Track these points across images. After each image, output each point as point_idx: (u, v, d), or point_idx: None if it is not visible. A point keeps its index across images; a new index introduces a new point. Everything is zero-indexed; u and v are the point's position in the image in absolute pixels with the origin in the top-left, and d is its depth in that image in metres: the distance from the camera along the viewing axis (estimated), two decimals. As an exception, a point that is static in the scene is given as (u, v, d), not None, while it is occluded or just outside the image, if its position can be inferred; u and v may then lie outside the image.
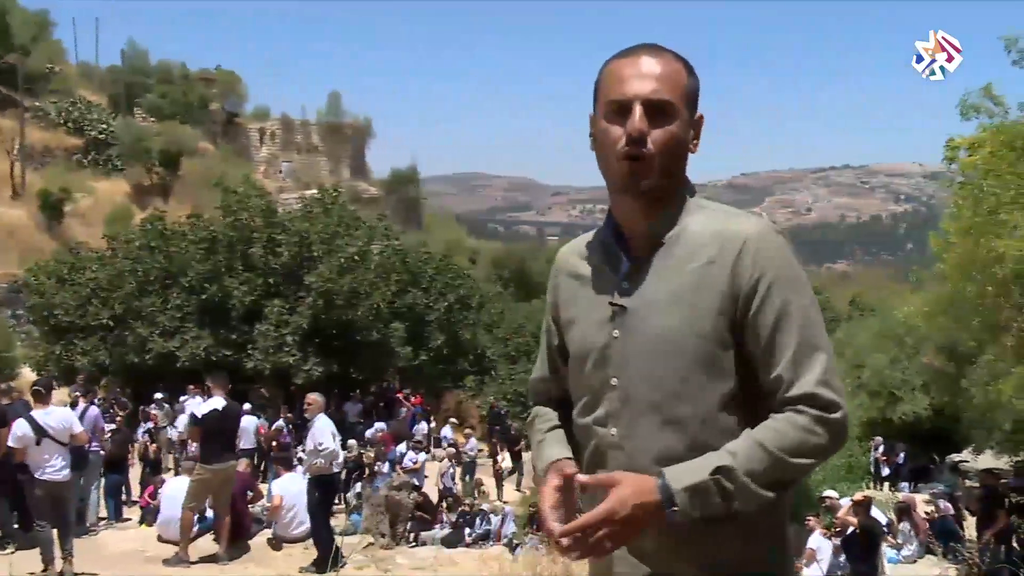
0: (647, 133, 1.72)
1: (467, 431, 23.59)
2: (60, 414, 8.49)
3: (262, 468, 16.23)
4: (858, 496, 12.42)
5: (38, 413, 8.24)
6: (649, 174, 1.73)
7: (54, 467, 8.10)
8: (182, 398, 18.36)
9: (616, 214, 1.85)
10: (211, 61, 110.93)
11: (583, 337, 1.86)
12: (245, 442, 13.31)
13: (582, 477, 1.75)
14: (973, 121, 10.42)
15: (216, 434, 9.27)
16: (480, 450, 25.17)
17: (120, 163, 45.66)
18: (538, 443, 1.98)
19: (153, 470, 15.01)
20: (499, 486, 20.16)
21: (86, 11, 73.60)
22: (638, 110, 1.72)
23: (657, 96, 1.73)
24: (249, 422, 14.30)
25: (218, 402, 9.36)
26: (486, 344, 30.46)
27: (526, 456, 20.18)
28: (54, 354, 23.04)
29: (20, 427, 8.07)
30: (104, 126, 46.39)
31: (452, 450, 19.18)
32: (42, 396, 8.47)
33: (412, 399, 25.63)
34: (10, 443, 8.14)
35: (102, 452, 12.13)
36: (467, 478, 18.84)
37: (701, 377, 1.72)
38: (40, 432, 8.04)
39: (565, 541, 1.65)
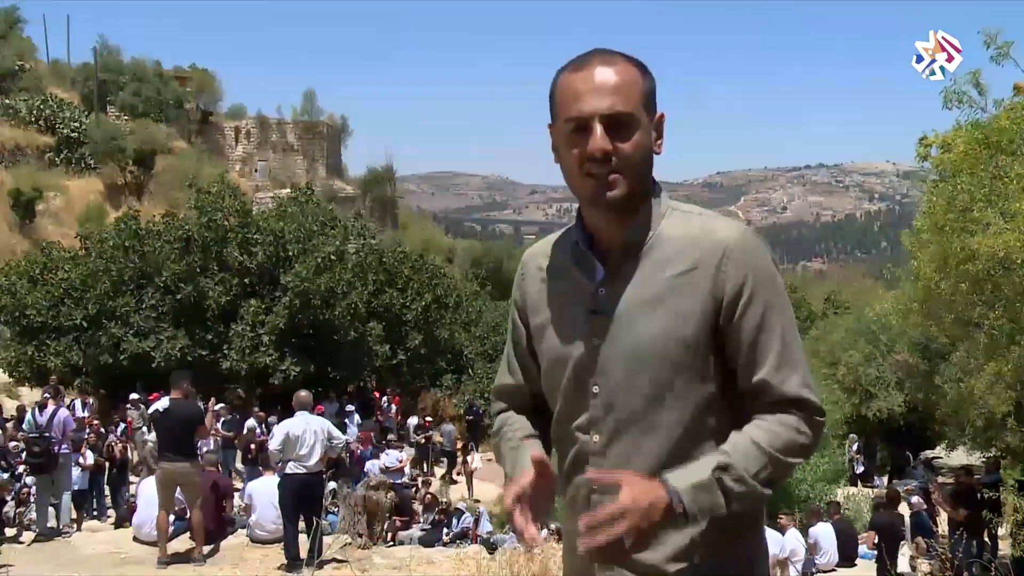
0: (610, 151, 1.68)
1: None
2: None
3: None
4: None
5: None
6: (617, 188, 1.70)
7: None
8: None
9: (588, 224, 1.81)
10: (185, 59, 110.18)
11: (559, 344, 1.82)
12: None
13: (591, 473, 1.69)
14: (953, 112, 10.43)
15: (163, 433, 9.26)
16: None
17: (93, 162, 45.10)
18: (512, 449, 1.91)
19: (120, 472, 14.81)
20: (468, 485, 20.19)
21: (57, 8, 72.43)
22: (598, 129, 1.68)
23: (615, 110, 1.69)
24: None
25: (166, 401, 9.32)
26: (463, 343, 30.42)
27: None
28: (26, 355, 22.76)
29: None
30: (76, 124, 45.79)
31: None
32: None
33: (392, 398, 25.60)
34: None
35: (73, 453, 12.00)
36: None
37: (683, 382, 1.72)
38: None
39: (584, 543, 1.54)
